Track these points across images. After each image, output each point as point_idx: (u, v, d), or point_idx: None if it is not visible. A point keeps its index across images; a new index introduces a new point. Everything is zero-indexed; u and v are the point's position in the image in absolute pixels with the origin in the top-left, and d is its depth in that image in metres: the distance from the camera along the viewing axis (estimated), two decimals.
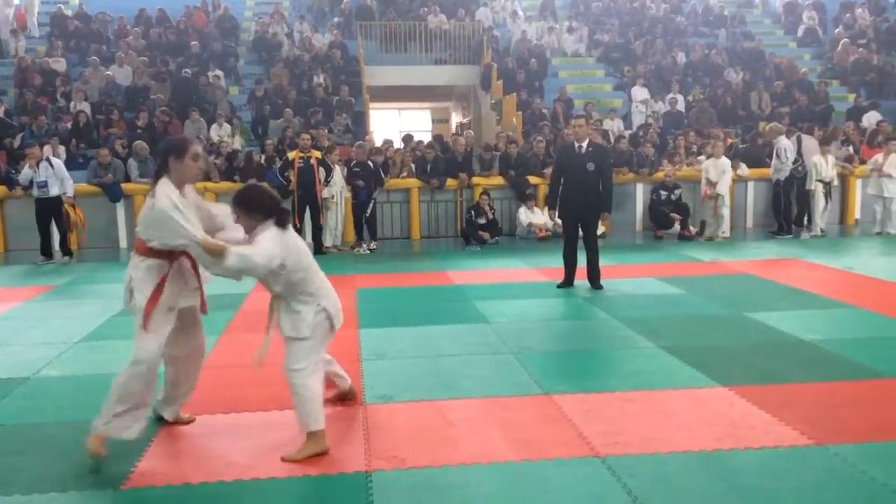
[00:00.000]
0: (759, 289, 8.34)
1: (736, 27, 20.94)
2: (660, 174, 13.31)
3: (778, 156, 12.62)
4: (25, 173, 11.17)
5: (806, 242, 12.01)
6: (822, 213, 12.67)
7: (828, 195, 12.69)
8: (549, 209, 9.00)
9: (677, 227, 12.72)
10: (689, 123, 15.95)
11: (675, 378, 5.25)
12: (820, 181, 12.55)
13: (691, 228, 12.74)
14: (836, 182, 13.03)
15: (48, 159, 11.30)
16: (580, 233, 8.48)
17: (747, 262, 10.04)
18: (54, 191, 11.09)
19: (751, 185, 13.92)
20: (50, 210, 11.19)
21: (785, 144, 12.58)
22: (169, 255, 4.03)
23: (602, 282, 8.40)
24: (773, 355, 5.77)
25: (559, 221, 8.83)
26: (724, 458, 3.93)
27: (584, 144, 8.33)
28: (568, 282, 8.51)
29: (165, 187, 3.96)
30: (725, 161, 12.39)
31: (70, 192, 11.31)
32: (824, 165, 12.58)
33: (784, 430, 4.26)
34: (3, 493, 3.67)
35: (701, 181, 12.43)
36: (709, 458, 3.93)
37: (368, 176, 12.05)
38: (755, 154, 13.84)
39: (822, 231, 12.60)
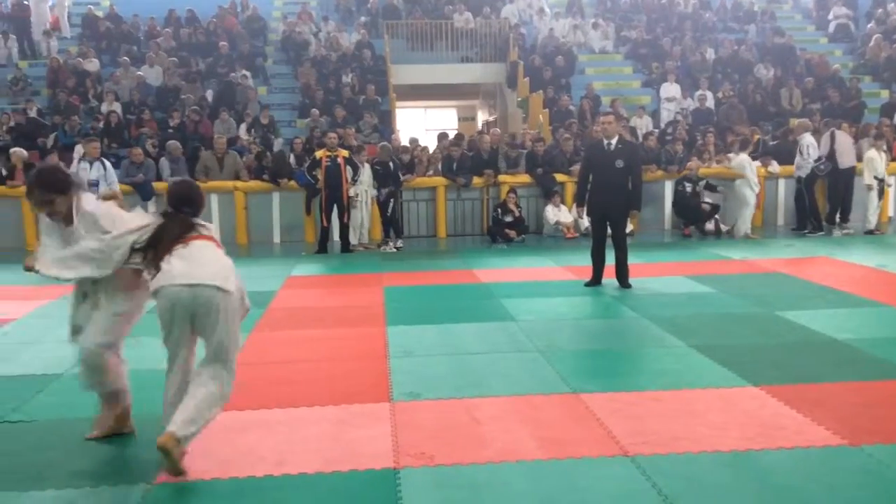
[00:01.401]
0: (790, 287, 8.24)
1: (766, 23, 20.70)
2: (687, 171, 13.17)
3: (801, 152, 12.47)
4: (78, 168, 11.27)
5: (838, 240, 11.85)
6: (875, 209, 12.41)
7: (882, 192, 12.44)
8: (576, 206, 8.99)
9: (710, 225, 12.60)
10: (719, 120, 15.79)
11: (705, 377, 5.20)
12: (876, 178, 12.30)
13: (722, 226, 12.62)
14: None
15: (101, 160, 11.40)
16: (608, 231, 8.43)
17: (778, 261, 9.92)
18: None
19: (781, 182, 13.76)
20: None
21: (808, 142, 12.44)
22: None
23: (631, 280, 8.33)
24: (805, 354, 5.70)
25: (586, 220, 8.78)
26: (756, 457, 3.88)
27: (614, 142, 8.27)
28: (596, 280, 8.46)
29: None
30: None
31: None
32: (878, 161, 12.33)
33: (816, 429, 4.21)
34: (38, 487, 3.73)
35: (739, 179, 12.17)
36: (740, 457, 3.88)
37: (386, 176, 12.08)
38: (786, 151, 13.67)
39: (875, 228, 12.31)
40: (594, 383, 5.13)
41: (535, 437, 4.20)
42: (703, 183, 12.70)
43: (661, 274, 9.10)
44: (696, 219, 12.72)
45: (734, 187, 12.28)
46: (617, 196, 8.23)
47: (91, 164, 11.20)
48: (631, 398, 4.80)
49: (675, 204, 13.08)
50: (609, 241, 8.43)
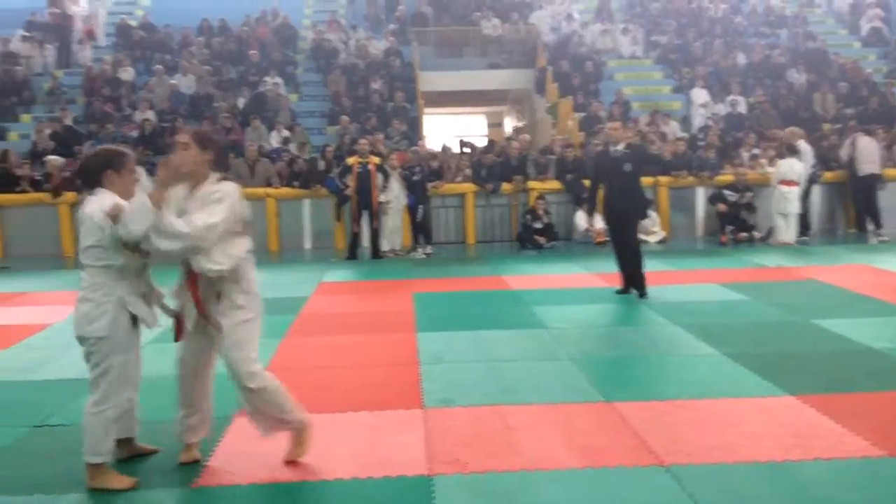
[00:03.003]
0: (826, 295, 8.13)
1: (798, 27, 20.48)
2: (727, 177, 13.01)
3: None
4: None
5: (873, 247, 11.69)
6: None
7: None
8: (588, 215, 9.10)
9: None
10: (751, 125, 15.65)
11: (739, 386, 5.16)
12: None
13: (755, 233, 12.50)
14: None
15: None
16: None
17: (813, 268, 9.80)
18: None
19: (815, 188, 13.58)
20: None
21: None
22: None
23: (663, 288, 8.25)
24: (842, 363, 5.63)
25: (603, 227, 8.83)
26: (793, 468, 3.84)
27: (620, 147, 8.21)
28: (627, 288, 8.40)
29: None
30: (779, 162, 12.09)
31: None
32: None
33: (855, 440, 4.15)
34: (78, 490, 3.78)
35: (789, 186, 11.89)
36: (777, 468, 3.85)
37: (415, 181, 12.11)
38: (819, 157, 13.52)
39: None
40: (627, 392, 5.11)
41: (569, 446, 4.19)
42: (749, 195, 12.52)
43: (694, 281, 9.02)
44: (740, 227, 12.55)
45: (780, 193, 11.92)
46: (628, 201, 8.19)
47: None
48: (665, 407, 4.77)
49: (718, 212, 12.86)
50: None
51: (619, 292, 8.38)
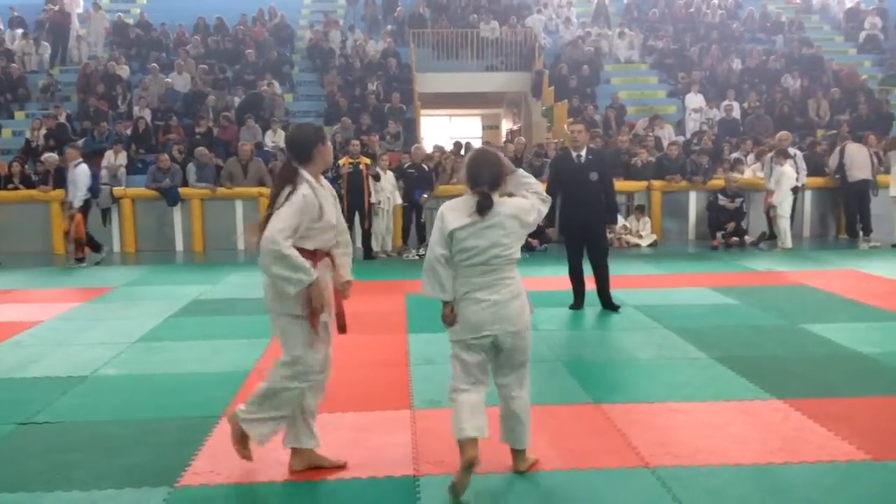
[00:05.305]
0: (815, 300, 8.15)
1: (794, 33, 20.55)
2: (719, 181, 13.04)
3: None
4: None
5: (864, 253, 11.72)
6: None
7: None
8: (546, 227, 8.65)
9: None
10: (745, 131, 15.69)
11: (727, 389, 5.17)
12: None
13: (746, 238, 12.52)
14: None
15: (75, 165, 11.44)
16: (585, 250, 7.84)
17: (804, 273, 9.82)
18: (70, 196, 11.35)
19: (808, 193, 13.63)
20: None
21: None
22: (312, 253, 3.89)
23: (654, 291, 8.24)
24: (830, 368, 5.64)
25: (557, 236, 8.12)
26: (778, 471, 3.85)
27: (584, 153, 7.55)
28: (579, 303, 7.82)
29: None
30: (780, 170, 12.04)
31: (76, 204, 11.23)
32: None
33: (840, 444, 4.16)
34: (63, 488, 3.78)
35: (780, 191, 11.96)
36: (762, 471, 3.85)
37: (421, 178, 12.14)
38: (812, 163, 13.55)
39: None
40: (615, 394, 5.11)
41: (556, 447, 4.19)
42: (740, 200, 12.54)
43: (685, 285, 9.03)
44: (729, 232, 12.55)
45: (790, 200, 11.95)
46: (594, 212, 7.58)
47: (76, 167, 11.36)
48: (652, 409, 4.78)
49: (709, 217, 12.88)
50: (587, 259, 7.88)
51: (572, 307, 7.80)
